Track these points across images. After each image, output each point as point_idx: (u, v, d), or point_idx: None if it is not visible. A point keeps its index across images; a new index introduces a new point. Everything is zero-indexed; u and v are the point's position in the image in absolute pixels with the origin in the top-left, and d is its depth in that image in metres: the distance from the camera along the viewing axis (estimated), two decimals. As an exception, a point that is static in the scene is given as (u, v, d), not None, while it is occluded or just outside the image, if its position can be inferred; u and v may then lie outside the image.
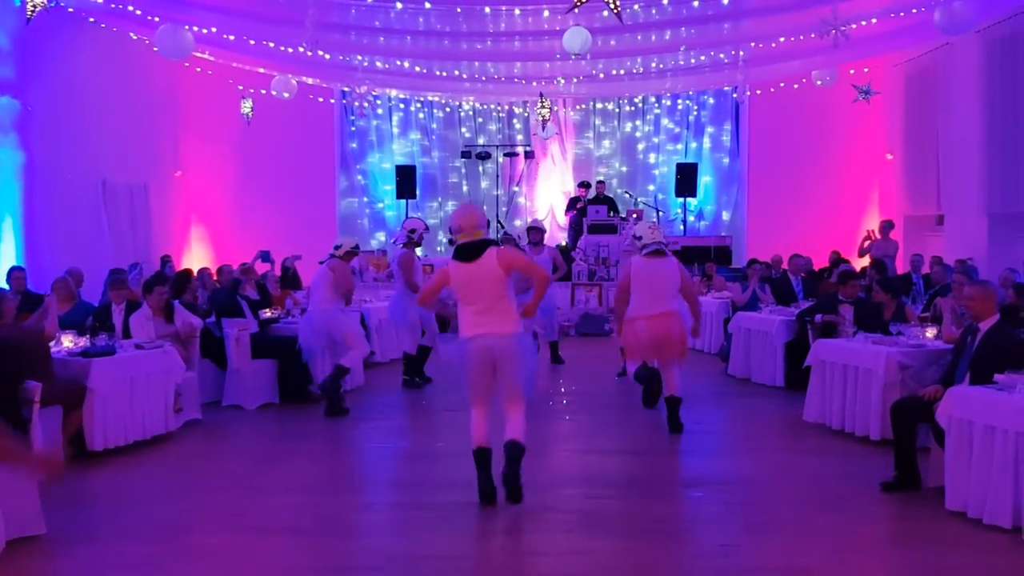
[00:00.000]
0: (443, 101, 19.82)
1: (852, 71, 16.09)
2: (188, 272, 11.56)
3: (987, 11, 12.28)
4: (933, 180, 15.80)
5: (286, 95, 15.62)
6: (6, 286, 10.08)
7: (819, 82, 15.21)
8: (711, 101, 19.80)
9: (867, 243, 15.26)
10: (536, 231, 12.36)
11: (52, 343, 7.62)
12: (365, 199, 19.99)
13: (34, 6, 9.83)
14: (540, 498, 6.53)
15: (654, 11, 12.46)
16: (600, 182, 18.79)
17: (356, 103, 15.62)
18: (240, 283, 10.97)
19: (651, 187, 20.08)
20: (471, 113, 20.27)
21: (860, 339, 8.44)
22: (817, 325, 9.65)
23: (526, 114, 19.91)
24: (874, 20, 12.15)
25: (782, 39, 13.13)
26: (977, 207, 14.10)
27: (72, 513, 6.12)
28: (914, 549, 5.55)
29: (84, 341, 7.97)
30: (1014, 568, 5.19)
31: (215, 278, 12.56)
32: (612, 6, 8.06)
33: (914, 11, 11.97)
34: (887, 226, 15.09)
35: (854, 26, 10.78)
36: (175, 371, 8.28)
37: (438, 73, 15.70)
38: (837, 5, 10.68)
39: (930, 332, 8.27)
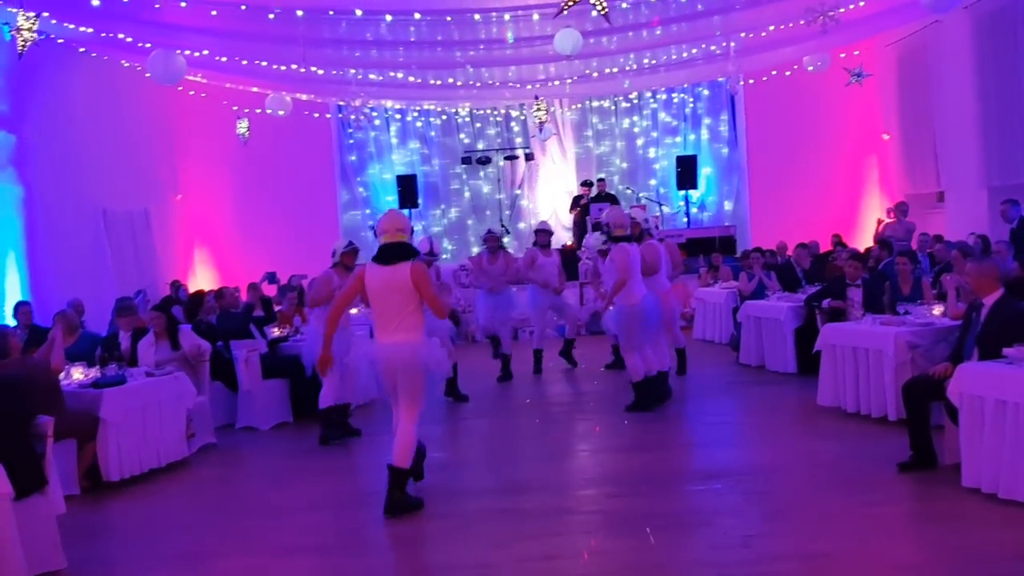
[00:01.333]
0: (440, 109, 19.84)
1: (843, 55, 16.07)
2: (201, 294, 11.58)
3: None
4: (931, 158, 15.77)
5: (281, 112, 15.63)
6: (14, 322, 10.11)
7: (811, 68, 15.17)
8: (706, 93, 19.78)
9: (881, 227, 14.93)
10: (544, 233, 12.22)
11: (61, 375, 7.64)
12: (368, 211, 19.96)
13: (24, 41, 9.85)
14: (560, 501, 6.55)
15: (644, 9, 12.46)
16: (601, 180, 18.76)
17: (352, 116, 15.64)
18: (253, 307, 11.00)
19: (652, 181, 20.06)
20: (468, 119, 20.28)
21: (868, 321, 8.46)
22: (825, 310, 9.67)
23: (523, 116, 19.92)
24: (862, 3, 12.14)
25: (771, 27, 13.12)
26: (977, 181, 14.08)
27: (91, 545, 6.13)
28: (934, 528, 5.55)
29: (94, 372, 7.99)
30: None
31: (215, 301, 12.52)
32: (599, 8, 8.04)
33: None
34: (901, 208, 14.80)
35: (842, 10, 10.76)
36: (186, 396, 8.30)
37: (432, 82, 15.72)
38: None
39: (937, 310, 8.28)
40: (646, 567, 5.23)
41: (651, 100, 20.11)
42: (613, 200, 18.00)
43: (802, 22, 11.05)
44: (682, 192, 19.05)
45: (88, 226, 14.20)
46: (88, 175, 14.13)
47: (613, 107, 20.26)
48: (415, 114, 20.08)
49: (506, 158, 20.02)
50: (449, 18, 12.60)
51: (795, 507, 6.02)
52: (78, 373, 7.90)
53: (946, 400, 6.22)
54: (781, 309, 10.89)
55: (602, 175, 19.32)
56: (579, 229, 17.94)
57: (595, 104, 20.17)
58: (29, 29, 9.80)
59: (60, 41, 12.61)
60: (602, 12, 8.12)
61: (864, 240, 16.18)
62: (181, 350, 8.81)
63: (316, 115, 17.91)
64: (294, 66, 12.95)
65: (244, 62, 13.83)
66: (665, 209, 19.11)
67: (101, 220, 14.54)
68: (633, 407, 9.14)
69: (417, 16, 12.29)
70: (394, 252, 6.33)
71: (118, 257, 14.81)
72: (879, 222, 15.17)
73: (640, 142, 20.27)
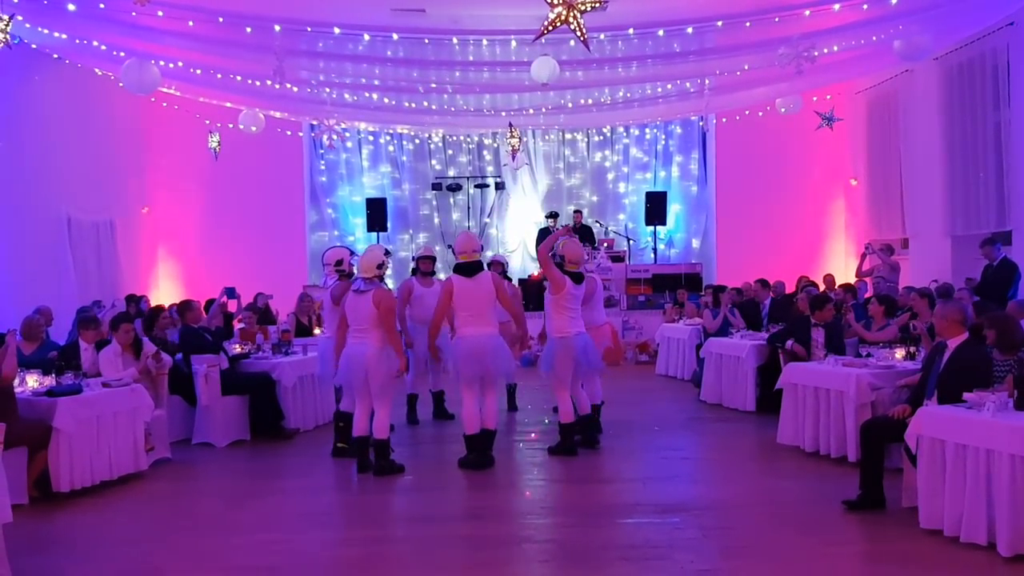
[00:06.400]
0: (412, 133, 19.83)
1: (815, 98, 16.29)
2: (160, 308, 11.45)
3: (943, 39, 12.51)
4: (897, 204, 15.99)
5: (254, 129, 15.55)
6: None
7: (783, 110, 15.35)
8: (678, 130, 19.98)
9: (868, 264, 14.70)
10: (428, 260, 10.59)
11: (15, 382, 7.49)
12: (335, 232, 19.89)
13: (-3, 44, 9.72)
14: (516, 529, 6.49)
15: (620, 43, 12.55)
16: (578, 211, 18.77)
17: (325, 136, 15.57)
18: (223, 330, 10.86)
19: (621, 216, 20.17)
20: (441, 145, 20.31)
21: (831, 361, 8.51)
22: (787, 351, 9.72)
23: (496, 145, 19.99)
24: (836, 48, 12.31)
25: (746, 67, 13.25)
26: (941, 230, 14.28)
27: (38, 557, 5.98)
28: (891, 569, 5.54)
29: (49, 380, 7.85)
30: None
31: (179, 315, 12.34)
32: (578, 34, 8.08)
33: (874, 39, 12.15)
34: (887, 248, 14.63)
35: (816, 53, 10.92)
36: (143, 409, 8.17)
37: (407, 105, 15.70)
38: (798, 40, 10.83)
39: (899, 353, 8.34)
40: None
41: (624, 135, 20.26)
42: (588, 232, 18.08)
43: (777, 63, 11.18)
44: (651, 228, 19.17)
45: (51, 234, 14.00)
46: (54, 183, 13.96)
47: (585, 140, 20.38)
48: (387, 137, 20.09)
49: (476, 186, 20.05)
50: (427, 40, 12.61)
51: (754, 544, 6.01)
52: (33, 381, 7.76)
53: (905, 442, 6.26)
54: (744, 347, 10.94)
55: (578, 208, 19.37)
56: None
57: (568, 136, 20.29)
58: (3, 31, 9.68)
59: (34, 46, 12.47)
60: (582, 38, 8.14)
61: (840, 278, 16.21)
62: (143, 361, 8.70)
63: (288, 133, 17.84)
64: (268, 82, 12.87)
65: (219, 76, 13.73)
66: (632, 243, 19.21)
67: (65, 229, 14.34)
68: (558, 449, 8.81)
69: (395, 37, 12.28)
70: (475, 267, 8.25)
71: (81, 267, 14.61)
72: (861, 256, 15.13)
73: (611, 176, 20.40)
